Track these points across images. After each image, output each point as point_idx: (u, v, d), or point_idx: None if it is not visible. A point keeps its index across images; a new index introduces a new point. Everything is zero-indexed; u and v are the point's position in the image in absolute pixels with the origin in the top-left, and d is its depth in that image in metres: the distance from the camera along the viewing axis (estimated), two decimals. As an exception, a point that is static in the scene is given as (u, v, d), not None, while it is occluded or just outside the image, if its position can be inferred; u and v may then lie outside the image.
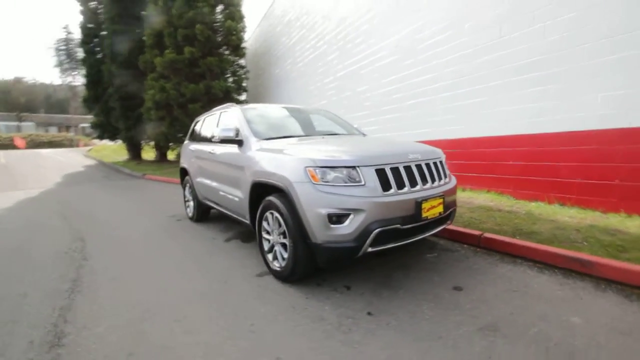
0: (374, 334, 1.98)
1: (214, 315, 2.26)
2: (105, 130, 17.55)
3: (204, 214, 4.90)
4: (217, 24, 13.11)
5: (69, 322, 2.24)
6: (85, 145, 31.99)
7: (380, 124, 7.35)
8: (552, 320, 2.04)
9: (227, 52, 13.69)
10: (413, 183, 2.54)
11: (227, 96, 13.30)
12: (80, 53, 19.65)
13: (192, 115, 11.85)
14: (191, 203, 4.99)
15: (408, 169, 2.55)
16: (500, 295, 2.37)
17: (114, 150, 21.91)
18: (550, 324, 2.00)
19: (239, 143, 3.36)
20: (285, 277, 2.66)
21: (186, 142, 5.37)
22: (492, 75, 5.03)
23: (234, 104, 4.27)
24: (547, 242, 2.97)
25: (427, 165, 2.71)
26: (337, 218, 2.30)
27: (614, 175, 3.75)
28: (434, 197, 2.56)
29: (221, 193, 3.75)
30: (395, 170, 2.48)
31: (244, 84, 14.44)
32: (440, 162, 2.90)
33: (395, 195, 2.40)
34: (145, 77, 13.42)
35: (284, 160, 2.66)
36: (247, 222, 3.26)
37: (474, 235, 3.32)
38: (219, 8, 13.11)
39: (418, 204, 2.45)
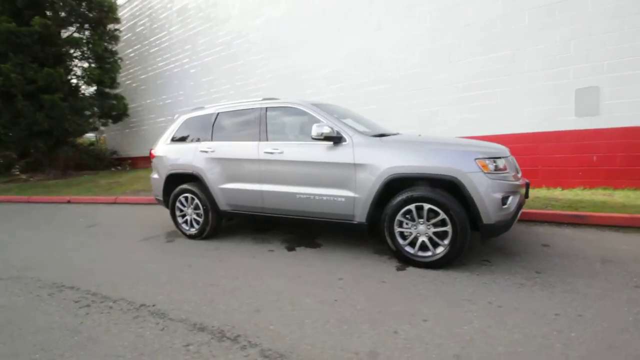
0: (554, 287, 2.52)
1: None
2: None
3: (218, 226, 4.08)
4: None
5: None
6: None
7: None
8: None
9: (95, 33, 10.80)
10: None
11: (98, 88, 10.53)
12: None
13: (50, 110, 8.77)
14: (191, 216, 4.04)
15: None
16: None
17: None
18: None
19: (336, 140, 3.17)
20: (426, 264, 2.85)
21: (174, 144, 4.27)
22: (442, 90, 6.39)
23: (276, 98, 3.86)
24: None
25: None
26: (504, 200, 2.72)
27: (538, 163, 5.62)
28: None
29: (300, 196, 3.35)
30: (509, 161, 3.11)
31: (116, 75, 11.75)
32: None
33: (518, 180, 3.02)
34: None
35: (446, 152, 2.83)
36: (357, 221, 3.13)
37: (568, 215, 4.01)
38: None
39: (528, 185, 3.16)
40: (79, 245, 4.20)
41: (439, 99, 6.44)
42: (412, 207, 2.86)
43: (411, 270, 2.88)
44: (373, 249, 3.45)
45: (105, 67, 11.02)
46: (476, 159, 2.72)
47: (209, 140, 3.99)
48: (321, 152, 3.26)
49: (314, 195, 3.28)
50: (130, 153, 14.06)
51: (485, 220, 2.69)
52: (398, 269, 2.92)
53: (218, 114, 4.03)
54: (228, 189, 3.78)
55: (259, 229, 4.43)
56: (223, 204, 3.86)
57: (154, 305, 2.47)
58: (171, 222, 4.37)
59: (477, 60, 5.96)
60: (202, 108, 4.31)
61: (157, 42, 12.24)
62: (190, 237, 4.12)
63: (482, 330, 1.97)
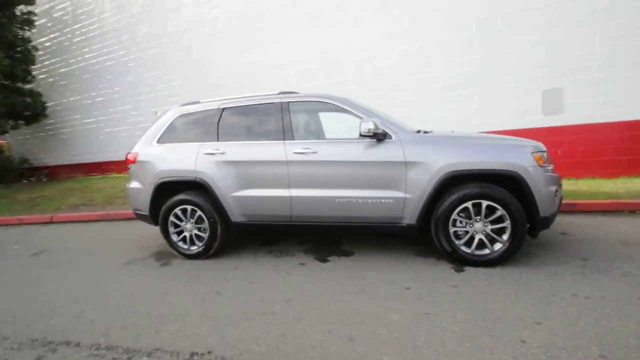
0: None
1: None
2: None
3: (226, 242, 3.49)
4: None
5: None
6: None
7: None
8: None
9: (4, 15, 8.72)
10: None
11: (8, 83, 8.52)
12: None
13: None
14: (192, 232, 3.38)
15: None
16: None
17: None
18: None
19: (381, 137, 2.92)
20: (484, 262, 2.77)
21: (164, 146, 3.53)
22: (421, 90, 6.57)
23: (295, 92, 3.44)
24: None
25: None
26: (556, 192, 2.78)
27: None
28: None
29: (340, 200, 2.99)
30: None
31: (29, 67, 9.73)
32: None
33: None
34: None
35: (504, 147, 2.77)
36: (406, 223, 2.92)
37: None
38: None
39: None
40: (36, 281, 3.20)
41: (418, 98, 6.59)
42: (469, 204, 2.75)
43: (471, 270, 2.77)
44: (412, 252, 3.27)
45: (17, 57, 8.93)
46: (532, 152, 2.73)
47: (214, 141, 3.37)
48: (363, 150, 2.97)
49: (357, 198, 2.97)
50: (47, 161, 11.74)
51: (542, 213, 2.70)
52: (457, 271, 2.78)
53: (223, 109, 3.44)
54: (244, 197, 3.23)
55: (266, 241, 3.92)
56: (236, 215, 3.30)
57: (210, 353, 1.90)
58: (147, 241, 3.65)
59: (454, 61, 6.25)
60: (197, 102, 3.65)
61: (83, 31, 10.41)
62: (191, 256, 3.44)
63: (601, 324, 1.92)
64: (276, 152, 3.14)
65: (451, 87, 6.32)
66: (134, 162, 3.62)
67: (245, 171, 3.22)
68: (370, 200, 2.95)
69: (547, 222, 2.75)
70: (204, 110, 3.51)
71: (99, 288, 2.92)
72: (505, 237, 2.74)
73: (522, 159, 2.70)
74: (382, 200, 2.92)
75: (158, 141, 3.57)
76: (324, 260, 3.22)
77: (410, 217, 2.91)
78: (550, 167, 2.88)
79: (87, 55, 10.48)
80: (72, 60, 10.77)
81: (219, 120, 3.41)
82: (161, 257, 3.61)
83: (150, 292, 2.75)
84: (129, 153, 3.71)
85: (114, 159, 10.00)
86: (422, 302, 2.31)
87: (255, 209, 3.24)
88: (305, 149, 3.07)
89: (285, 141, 3.16)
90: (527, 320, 2.01)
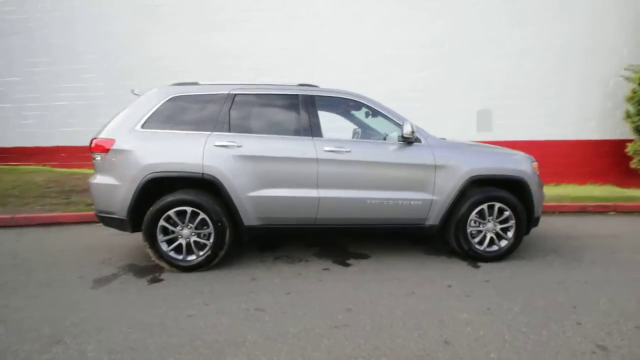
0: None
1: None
2: None
3: (230, 249, 3.02)
4: None
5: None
6: None
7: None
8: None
9: None
10: None
11: None
12: None
13: None
14: (189, 239, 2.80)
15: None
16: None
17: None
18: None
19: (411, 140, 3.00)
20: (494, 258, 3.13)
21: (154, 132, 2.83)
22: (384, 99, 6.94)
23: (315, 85, 3.24)
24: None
25: None
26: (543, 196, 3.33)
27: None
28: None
29: (372, 202, 2.92)
30: None
31: None
32: None
33: None
34: None
35: (515, 156, 3.17)
36: (430, 224, 3.05)
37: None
38: None
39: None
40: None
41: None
42: (484, 206, 3.06)
43: (485, 266, 3.07)
44: (420, 251, 3.44)
45: None
46: (532, 162, 3.20)
47: (225, 131, 2.87)
48: (395, 152, 3.00)
49: (388, 199, 2.97)
50: None
51: (536, 214, 3.20)
52: (474, 267, 3.05)
53: (235, 95, 2.97)
54: (263, 197, 2.85)
55: (264, 246, 3.55)
56: (251, 218, 2.88)
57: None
58: (94, 253, 2.97)
59: (411, 75, 6.83)
60: (195, 84, 3.05)
61: None
62: (188, 269, 2.85)
63: (614, 302, 2.37)
64: (305, 148, 2.88)
65: (411, 99, 6.71)
66: (106, 151, 2.79)
67: (265, 168, 2.85)
68: (400, 202, 2.99)
69: (537, 221, 3.27)
70: (210, 94, 2.96)
71: (85, 318, 2.15)
72: (510, 234, 3.13)
73: (527, 167, 3.15)
74: (412, 202, 2.99)
75: (143, 126, 2.85)
76: (346, 265, 3.09)
77: (434, 218, 3.06)
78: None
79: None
80: None
81: (230, 108, 2.93)
82: (140, 273, 2.88)
83: (169, 318, 2.16)
84: (96, 139, 2.85)
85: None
86: (473, 299, 2.45)
87: (275, 211, 2.90)
88: (338, 147, 2.91)
89: (314, 137, 2.93)
90: (566, 305, 2.35)
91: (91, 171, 3.09)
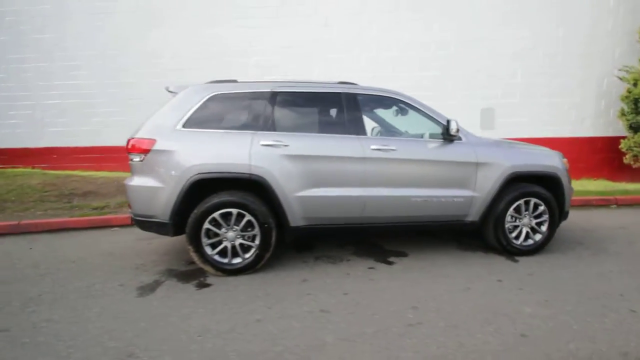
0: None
1: None
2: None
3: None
4: None
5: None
6: None
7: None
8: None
9: None
10: None
11: None
12: None
13: None
14: (234, 242, 2.71)
15: None
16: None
17: None
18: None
19: (452, 138, 3.05)
20: (529, 251, 3.21)
21: (196, 132, 2.72)
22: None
23: (354, 83, 3.22)
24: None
25: None
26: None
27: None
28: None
29: (416, 200, 2.93)
30: None
31: None
32: None
33: None
34: None
35: (548, 153, 3.28)
36: (470, 220, 3.11)
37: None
38: None
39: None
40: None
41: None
42: (521, 202, 3.14)
43: (523, 260, 3.14)
44: (453, 247, 3.50)
45: None
46: (562, 158, 3.31)
47: (271, 130, 2.80)
48: (438, 149, 3.04)
49: (432, 197, 2.99)
50: None
51: (566, 208, 3.32)
52: (513, 261, 3.12)
53: (278, 93, 2.89)
54: (310, 197, 2.80)
55: (299, 247, 3.49)
56: (298, 218, 2.83)
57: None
58: (124, 259, 2.85)
59: (414, 75, 6.91)
60: (234, 81, 2.96)
61: None
62: (233, 272, 2.76)
63: (658, 292, 2.50)
64: (352, 147, 2.85)
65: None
66: (146, 151, 2.66)
67: (312, 167, 2.80)
68: (443, 199, 3.02)
69: (567, 214, 3.39)
70: (251, 92, 2.88)
71: (146, 328, 2.03)
72: (544, 228, 3.23)
73: (559, 163, 3.25)
74: (455, 199, 3.03)
75: (184, 125, 2.73)
76: (389, 263, 3.10)
77: (474, 214, 3.11)
78: None
79: None
80: None
81: (273, 107, 2.86)
82: (183, 278, 2.76)
83: (237, 324, 2.08)
84: (133, 139, 2.70)
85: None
86: (527, 292, 2.50)
87: (322, 210, 2.86)
88: (384, 145, 2.90)
89: (360, 136, 2.91)
90: (614, 294, 2.45)
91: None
